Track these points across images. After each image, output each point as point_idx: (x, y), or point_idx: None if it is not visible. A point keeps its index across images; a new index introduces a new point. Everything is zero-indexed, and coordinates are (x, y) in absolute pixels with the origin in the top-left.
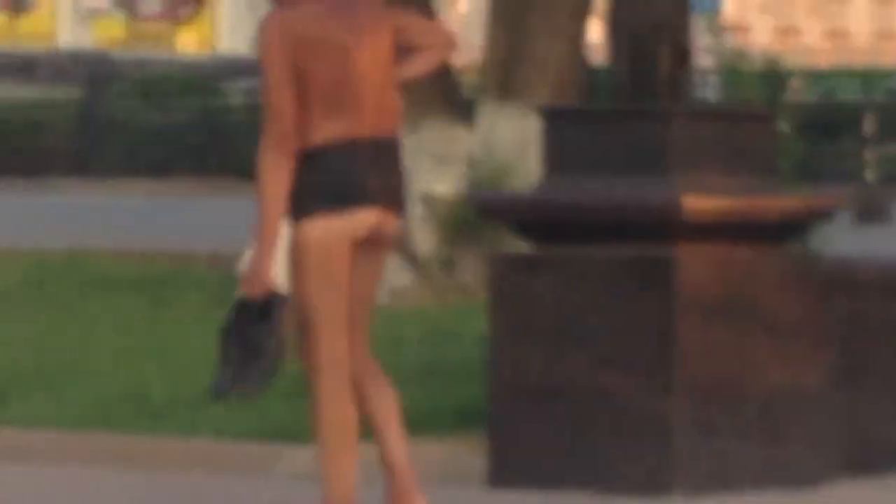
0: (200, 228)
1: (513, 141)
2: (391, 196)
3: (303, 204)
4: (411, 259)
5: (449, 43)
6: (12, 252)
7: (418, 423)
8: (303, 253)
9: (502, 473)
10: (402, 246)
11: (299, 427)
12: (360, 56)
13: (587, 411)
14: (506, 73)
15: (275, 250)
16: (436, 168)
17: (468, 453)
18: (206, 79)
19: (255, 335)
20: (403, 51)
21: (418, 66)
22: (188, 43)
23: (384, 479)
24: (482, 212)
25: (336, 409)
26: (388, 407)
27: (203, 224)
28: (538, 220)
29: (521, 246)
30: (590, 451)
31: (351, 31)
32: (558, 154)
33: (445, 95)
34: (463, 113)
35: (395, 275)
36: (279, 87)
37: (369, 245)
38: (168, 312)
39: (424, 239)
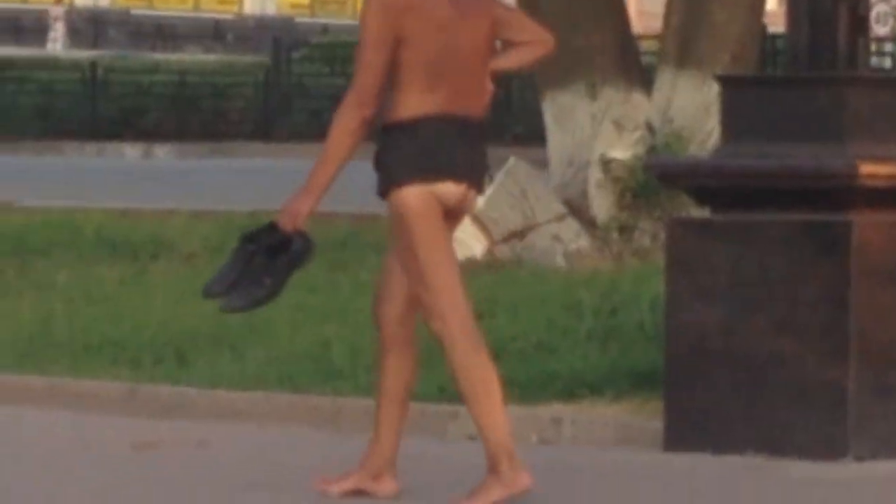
0: None
1: (691, 108)
2: (475, 174)
3: (395, 173)
4: (589, 223)
5: (545, 42)
6: (197, 214)
7: (595, 386)
8: (405, 220)
9: (677, 436)
10: (580, 210)
11: None
12: (461, 37)
13: (762, 376)
14: (684, 40)
15: (318, 200)
16: (614, 133)
17: (644, 416)
18: None
19: (259, 265)
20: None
21: (513, 60)
22: None
23: (368, 447)
24: (660, 177)
25: (475, 362)
26: (404, 380)
27: None
28: (716, 185)
29: (698, 211)
30: (764, 415)
31: (456, 12)
32: (736, 121)
33: (625, 62)
34: (642, 79)
35: (573, 239)
36: (375, 52)
37: (449, 217)
38: (347, 274)
39: (602, 203)
